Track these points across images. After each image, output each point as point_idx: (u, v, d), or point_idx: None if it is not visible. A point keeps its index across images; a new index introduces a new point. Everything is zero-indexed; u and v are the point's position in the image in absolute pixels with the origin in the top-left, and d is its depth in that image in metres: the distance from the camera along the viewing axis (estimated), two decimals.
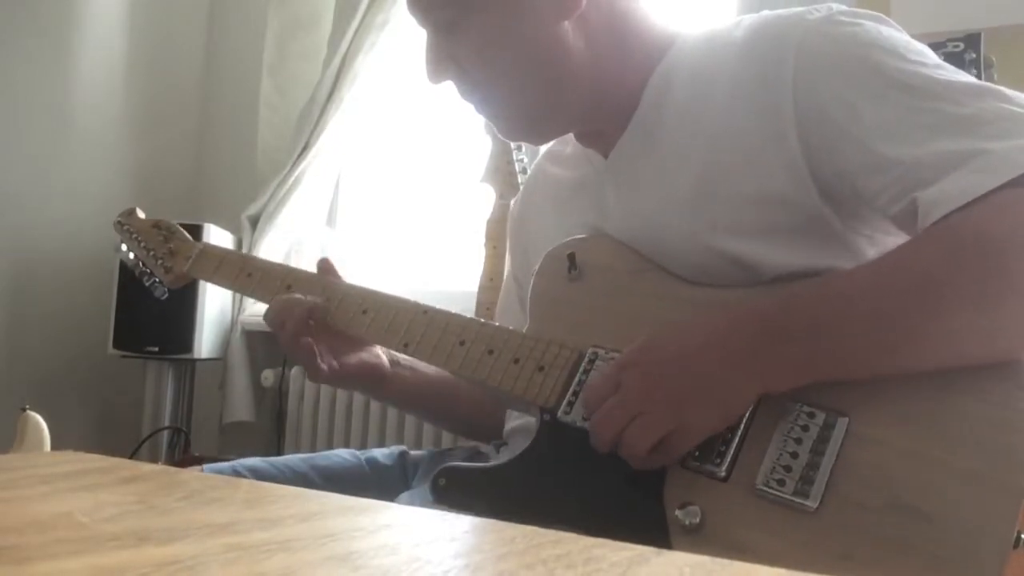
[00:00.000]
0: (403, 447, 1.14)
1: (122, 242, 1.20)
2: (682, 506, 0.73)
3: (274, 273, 1.06)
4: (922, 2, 1.84)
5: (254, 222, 2.58)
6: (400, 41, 2.52)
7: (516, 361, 0.85)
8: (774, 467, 0.72)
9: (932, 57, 0.79)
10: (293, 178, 2.53)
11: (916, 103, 0.75)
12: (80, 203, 2.57)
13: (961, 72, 0.78)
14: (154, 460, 2.34)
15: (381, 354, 1.03)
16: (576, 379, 0.82)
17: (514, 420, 0.98)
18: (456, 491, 0.81)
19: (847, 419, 0.72)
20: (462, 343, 0.89)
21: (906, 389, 0.72)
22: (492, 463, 0.87)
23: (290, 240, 2.62)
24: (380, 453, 1.11)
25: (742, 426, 0.75)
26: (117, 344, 2.34)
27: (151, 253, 1.17)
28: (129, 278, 1.82)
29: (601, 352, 0.82)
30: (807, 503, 0.70)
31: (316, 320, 0.97)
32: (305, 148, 2.54)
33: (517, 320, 0.96)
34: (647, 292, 0.85)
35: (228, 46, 2.90)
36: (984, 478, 0.66)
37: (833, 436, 0.72)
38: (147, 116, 2.77)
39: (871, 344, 0.73)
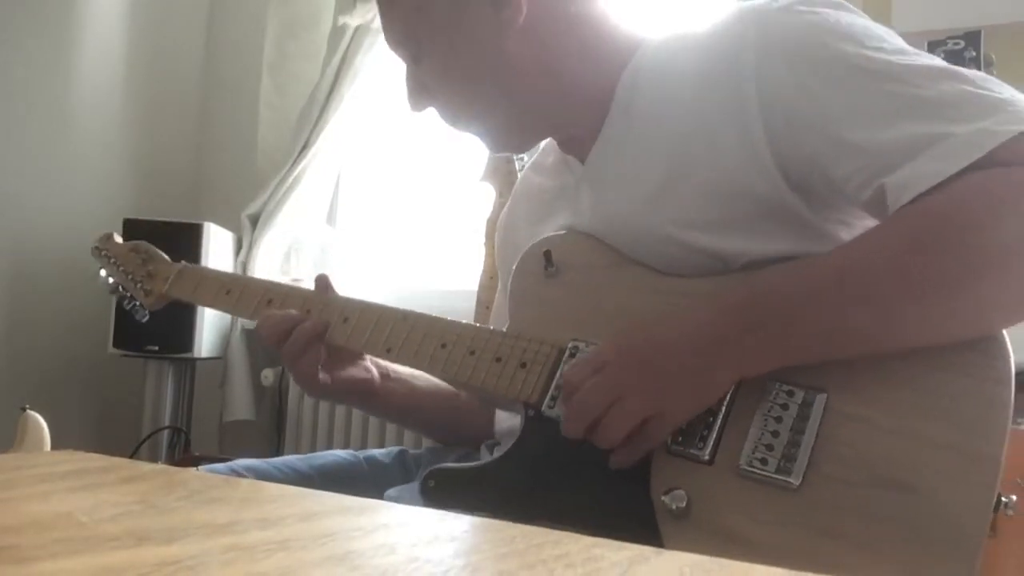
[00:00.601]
0: (402, 447, 1.14)
1: (101, 268, 1.21)
2: (668, 491, 0.74)
3: (254, 289, 1.06)
4: (922, 0, 1.84)
5: (254, 221, 2.58)
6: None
7: (498, 360, 0.86)
8: (756, 447, 0.73)
9: (893, 41, 0.80)
10: (293, 177, 2.53)
11: (877, 87, 0.76)
12: (80, 202, 2.57)
13: (922, 54, 0.79)
14: (154, 460, 2.34)
15: (372, 368, 1.03)
16: (558, 374, 0.83)
17: (505, 420, 0.99)
18: (445, 491, 0.82)
19: (826, 395, 0.74)
20: (444, 346, 0.90)
21: (883, 364, 0.73)
22: (480, 462, 0.88)
23: (290, 239, 2.62)
24: (379, 453, 1.11)
25: (723, 409, 0.76)
26: (117, 343, 2.34)
27: (130, 276, 1.18)
28: None
29: (581, 346, 0.83)
30: (790, 480, 0.71)
31: (323, 339, 0.98)
32: (305, 147, 2.54)
33: None
34: (623, 285, 0.86)
35: (228, 46, 2.89)
36: (962, 449, 0.68)
37: (812, 413, 0.73)
38: (147, 116, 2.77)
39: (842, 327, 0.74)
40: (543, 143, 1.06)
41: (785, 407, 0.74)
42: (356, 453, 1.11)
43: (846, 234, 0.82)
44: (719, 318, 0.76)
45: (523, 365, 0.85)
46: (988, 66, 1.61)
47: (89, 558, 0.34)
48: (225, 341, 2.50)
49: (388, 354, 0.94)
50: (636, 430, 0.75)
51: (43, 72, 2.50)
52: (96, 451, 0.57)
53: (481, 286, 1.87)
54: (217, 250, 2.43)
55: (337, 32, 2.54)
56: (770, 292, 0.76)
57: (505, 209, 1.15)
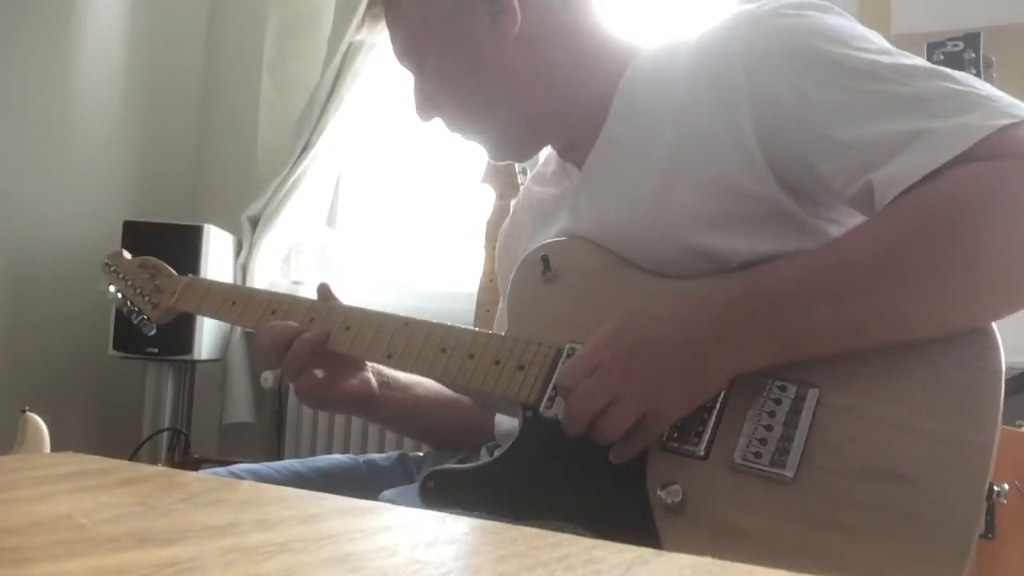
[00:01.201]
0: (402, 451, 1.15)
1: (110, 283, 1.23)
2: (664, 486, 0.75)
3: (258, 300, 1.07)
4: (922, 1, 1.84)
5: (254, 222, 2.58)
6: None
7: (497, 362, 0.87)
8: (750, 441, 0.75)
9: (878, 42, 0.82)
10: (293, 178, 2.53)
11: (862, 86, 0.78)
12: (80, 203, 2.57)
13: (906, 54, 0.81)
14: (154, 461, 2.34)
15: (371, 379, 1.04)
16: (555, 375, 0.84)
17: (505, 423, 0.99)
18: (444, 492, 0.82)
19: (818, 390, 0.75)
20: (443, 350, 0.91)
21: (874, 358, 0.74)
22: (478, 463, 0.88)
23: (290, 241, 2.62)
24: (379, 456, 1.12)
25: (718, 405, 0.77)
26: (117, 345, 2.34)
27: (138, 291, 1.20)
28: None
29: (578, 347, 0.84)
30: (784, 472, 0.72)
31: (324, 350, 0.98)
32: (305, 148, 2.54)
33: None
34: (620, 288, 0.87)
35: (228, 45, 2.90)
36: (954, 438, 0.69)
37: (805, 407, 0.74)
38: (147, 116, 2.77)
39: (834, 322, 0.75)
40: (544, 153, 1.07)
41: (778, 402, 0.75)
42: (356, 457, 1.11)
43: (837, 232, 0.83)
44: (713, 313, 0.77)
45: (521, 367, 0.86)
46: (987, 67, 1.61)
47: (89, 560, 0.34)
48: (225, 343, 2.50)
49: (389, 360, 0.94)
50: (634, 426, 0.75)
51: (43, 72, 2.50)
52: (96, 453, 0.57)
53: (481, 288, 1.87)
54: (217, 252, 2.43)
55: (337, 32, 2.54)
56: (763, 287, 0.77)
57: (507, 220, 1.16)
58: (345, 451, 2.28)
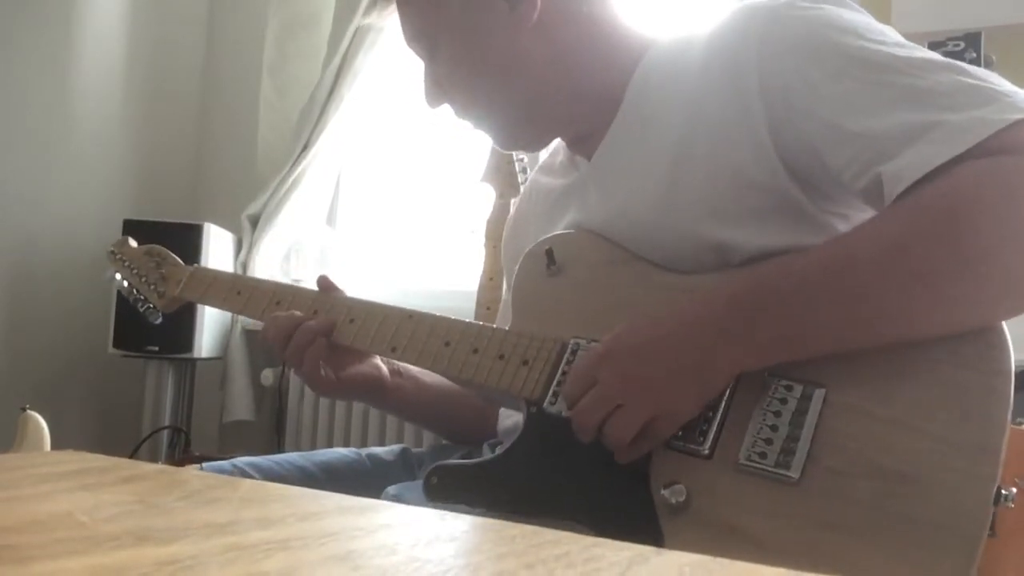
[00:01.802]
0: (404, 445, 1.15)
1: (116, 271, 1.23)
2: (667, 485, 0.75)
3: (263, 290, 1.07)
4: (923, 1, 1.84)
5: (254, 222, 2.58)
6: (400, 42, 2.52)
7: (501, 357, 0.87)
8: (755, 441, 0.74)
9: (892, 36, 0.81)
10: (293, 178, 2.53)
11: (876, 77, 0.77)
12: (80, 203, 2.57)
13: (921, 48, 0.80)
14: (154, 460, 2.34)
15: (381, 365, 1.04)
16: (560, 370, 0.83)
17: (508, 418, 0.99)
18: (448, 488, 0.82)
19: (824, 390, 0.74)
20: (447, 344, 0.90)
21: (881, 358, 0.73)
22: (482, 458, 0.88)
23: (290, 240, 2.62)
24: (382, 451, 1.12)
25: (723, 404, 0.76)
26: (117, 343, 2.34)
27: (144, 279, 1.20)
28: None
29: (583, 342, 0.84)
30: (789, 473, 0.71)
31: (328, 337, 0.98)
32: (305, 148, 2.54)
33: None
34: (625, 282, 0.87)
35: (228, 46, 2.89)
36: (962, 440, 0.68)
37: (811, 407, 0.73)
38: (147, 116, 2.77)
39: (840, 320, 0.74)
40: (552, 144, 1.06)
41: (784, 402, 0.74)
42: (359, 451, 1.11)
43: (845, 227, 0.83)
44: (717, 311, 0.77)
45: (525, 362, 0.85)
46: (988, 67, 1.61)
47: (89, 558, 0.34)
48: (225, 341, 2.50)
49: (393, 353, 0.94)
50: (643, 431, 0.75)
51: (43, 72, 2.50)
52: (96, 451, 0.57)
53: (481, 286, 1.87)
54: (217, 251, 2.43)
55: (337, 33, 2.54)
56: (769, 284, 0.76)
57: (512, 211, 1.16)
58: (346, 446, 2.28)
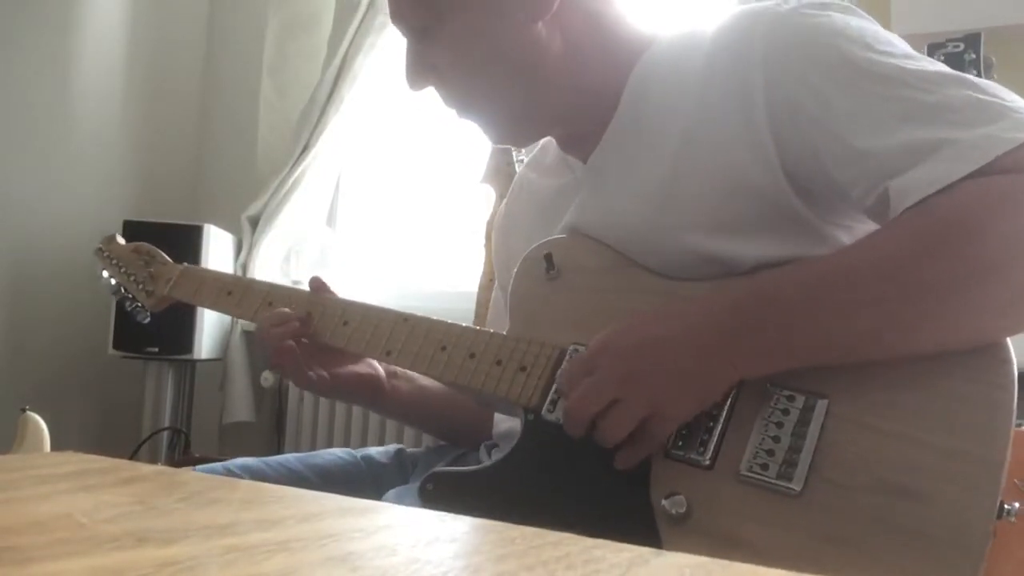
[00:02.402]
0: (400, 445, 1.14)
1: (103, 269, 1.21)
2: (668, 496, 0.74)
3: (255, 291, 1.06)
4: (922, 2, 1.84)
5: (254, 222, 2.59)
6: (400, 42, 2.51)
7: (498, 363, 0.85)
8: (757, 452, 0.73)
9: (901, 46, 0.80)
10: (293, 178, 2.53)
11: (886, 92, 0.75)
12: (80, 203, 2.57)
13: (930, 60, 0.79)
14: (154, 461, 2.34)
15: (377, 367, 1.04)
16: (557, 377, 0.82)
17: (504, 422, 0.98)
18: (444, 496, 0.81)
19: (827, 401, 0.73)
20: (443, 348, 0.89)
21: (885, 369, 0.72)
22: (479, 466, 0.87)
23: (290, 241, 2.62)
24: (376, 451, 1.11)
25: (724, 413, 0.75)
26: (117, 345, 2.34)
27: (132, 278, 1.18)
28: None
29: (581, 349, 0.82)
30: (791, 486, 0.70)
31: (306, 334, 0.98)
32: (305, 148, 2.54)
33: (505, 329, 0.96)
34: (624, 288, 0.85)
35: (228, 46, 2.90)
36: (965, 455, 0.67)
37: (813, 418, 0.72)
38: (147, 116, 2.77)
39: (842, 331, 0.73)
40: (542, 141, 1.05)
41: (786, 412, 0.73)
42: (354, 452, 1.11)
43: (847, 238, 0.82)
44: (720, 315, 0.76)
45: (523, 369, 0.84)
46: (988, 68, 1.61)
47: (89, 559, 0.34)
48: (225, 343, 2.50)
49: (388, 357, 0.93)
50: (637, 430, 0.74)
51: (43, 72, 2.50)
52: (96, 452, 0.57)
53: (481, 287, 1.87)
54: (217, 252, 2.43)
55: (337, 33, 2.54)
56: (772, 292, 0.75)
57: (502, 207, 1.14)
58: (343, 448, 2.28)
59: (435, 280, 2.56)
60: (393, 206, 2.73)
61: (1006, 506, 0.67)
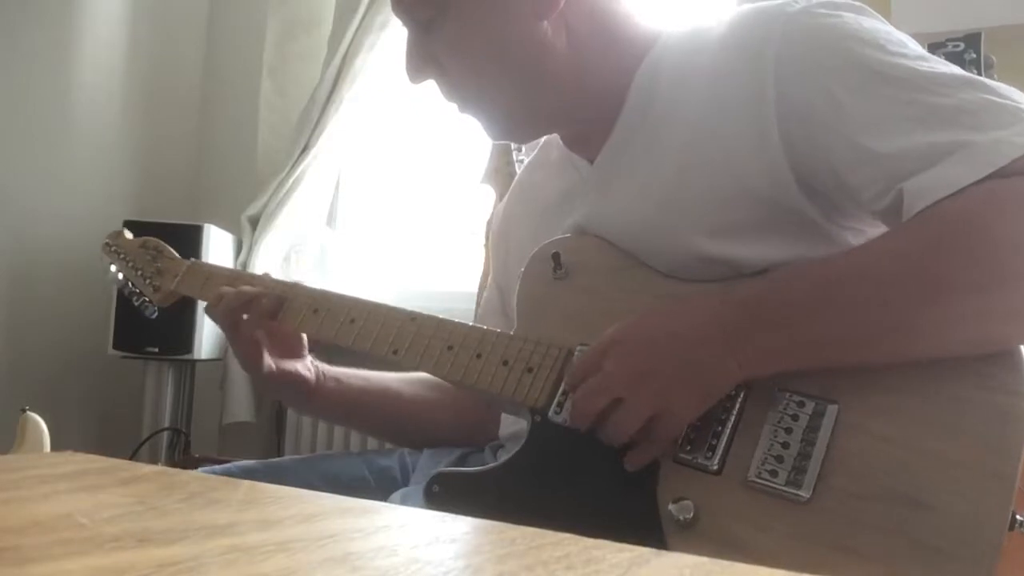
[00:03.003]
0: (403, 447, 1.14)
1: (111, 264, 1.20)
2: (675, 501, 0.73)
3: (259, 285, 1.05)
4: (922, 2, 1.84)
5: (254, 222, 2.58)
6: (400, 41, 2.51)
7: (505, 363, 0.85)
8: (766, 458, 0.72)
9: (914, 48, 0.79)
10: (293, 178, 2.53)
11: (899, 95, 0.75)
12: (80, 203, 2.57)
13: (943, 62, 0.78)
14: (154, 461, 2.34)
15: (311, 368, 1.04)
16: (565, 376, 0.82)
17: (511, 425, 0.98)
18: (450, 497, 0.81)
19: (837, 407, 0.72)
20: (450, 348, 0.89)
21: (896, 376, 0.72)
22: (485, 467, 0.87)
23: (290, 241, 2.62)
24: (378, 453, 1.11)
25: (732, 418, 0.75)
26: (117, 345, 2.33)
27: (139, 273, 1.18)
28: None
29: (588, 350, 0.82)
30: (800, 493, 0.70)
31: (276, 319, 0.99)
32: (305, 148, 2.54)
33: (497, 327, 0.96)
34: (632, 288, 0.85)
35: (228, 47, 2.90)
36: (976, 465, 0.67)
37: (823, 425, 0.72)
38: (147, 116, 2.77)
39: (853, 332, 0.72)
40: (542, 139, 1.04)
41: (795, 418, 0.73)
42: (355, 454, 1.11)
43: (855, 240, 0.81)
44: (728, 313, 0.75)
45: (530, 369, 0.83)
46: (988, 68, 1.60)
47: (89, 559, 0.34)
48: (225, 342, 2.50)
49: (395, 355, 0.92)
50: (644, 428, 0.74)
51: (43, 72, 2.50)
52: (96, 452, 0.57)
53: (481, 288, 1.87)
54: (217, 252, 2.43)
55: (337, 33, 2.54)
56: (781, 291, 0.75)
57: (500, 206, 1.13)
58: (345, 450, 2.28)
59: (435, 280, 2.56)
60: (393, 206, 2.73)
61: (1018, 517, 0.66)
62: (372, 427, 1.15)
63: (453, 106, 0.94)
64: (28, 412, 1.69)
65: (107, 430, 2.60)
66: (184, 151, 2.86)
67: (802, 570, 0.70)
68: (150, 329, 2.34)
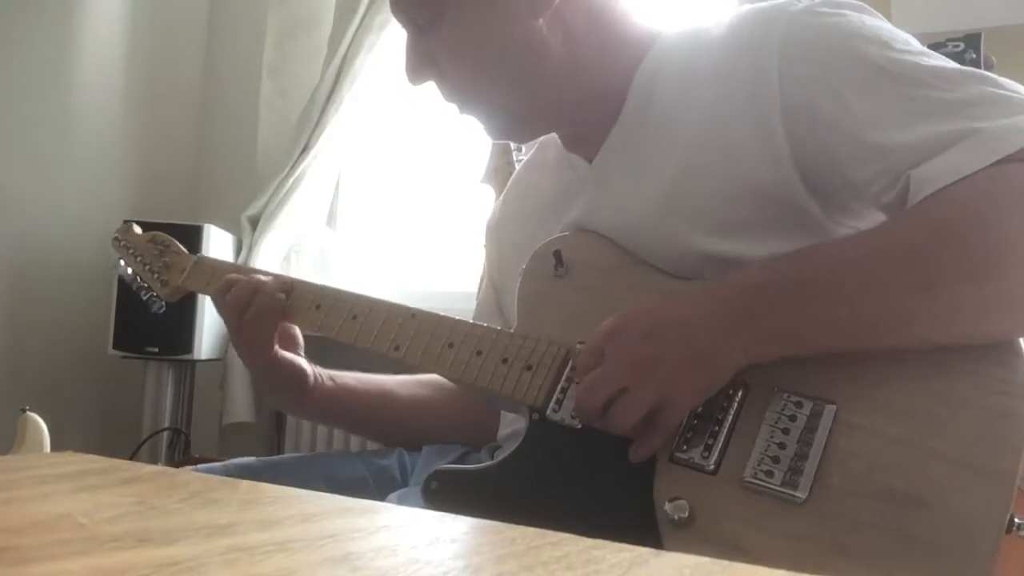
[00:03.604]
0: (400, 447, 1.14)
1: (120, 258, 1.21)
2: (671, 500, 0.73)
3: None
4: (922, 2, 1.84)
5: (254, 223, 2.58)
6: (400, 42, 2.51)
7: (504, 361, 0.85)
8: (762, 458, 0.72)
9: (916, 45, 0.79)
10: (293, 178, 2.53)
11: (904, 90, 0.75)
12: (80, 203, 2.57)
13: (946, 58, 0.78)
14: (154, 461, 2.34)
15: (306, 364, 1.04)
16: (564, 377, 0.82)
17: (510, 424, 0.98)
18: (447, 494, 0.81)
19: (835, 407, 0.72)
20: (451, 345, 0.89)
21: (894, 374, 0.72)
22: (482, 465, 0.87)
23: (290, 241, 2.62)
24: (377, 453, 1.11)
25: (730, 418, 0.75)
26: (117, 345, 2.33)
27: (147, 267, 1.18)
28: None
29: None
30: (796, 494, 0.70)
31: (282, 311, 0.99)
32: (305, 148, 2.54)
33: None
34: (633, 287, 0.85)
35: (228, 47, 2.90)
36: (976, 466, 0.66)
37: (820, 425, 0.72)
38: (147, 116, 2.77)
39: (855, 316, 0.72)
40: (540, 139, 1.04)
41: (793, 419, 0.73)
42: (353, 452, 1.11)
43: None
44: (730, 299, 0.75)
45: (529, 367, 0.83)
46: (988, 68, 1.60)
47: (89, 559, 0.34)
48: (225, 343, 2.50)
49: (396, 352, 0.92)
50: (647, 418, 0.73)
51: (43, 72, 2.50)
52: (96, 452, 0.57)
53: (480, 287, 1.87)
54: (217, 252, 2.43)
55: (337, 33, 2.54)
56: (782, 275, 0.75)
57: (496, 205, 1.14)
58: (344, 450, 2.28)
59: (435, 280, 2.56)
60: (393, 206, 2.73)
61: (1016, 520, 0.65)
62: (369, 426, 1.14)
63: (453, 107, 0.94)
64: (28, 412, 1.70)
65: (107, 430, 2.60)
66: (184, 151, 2.86)
67: (799, 570, 0.70)
68: (150, 329, 2.35)
